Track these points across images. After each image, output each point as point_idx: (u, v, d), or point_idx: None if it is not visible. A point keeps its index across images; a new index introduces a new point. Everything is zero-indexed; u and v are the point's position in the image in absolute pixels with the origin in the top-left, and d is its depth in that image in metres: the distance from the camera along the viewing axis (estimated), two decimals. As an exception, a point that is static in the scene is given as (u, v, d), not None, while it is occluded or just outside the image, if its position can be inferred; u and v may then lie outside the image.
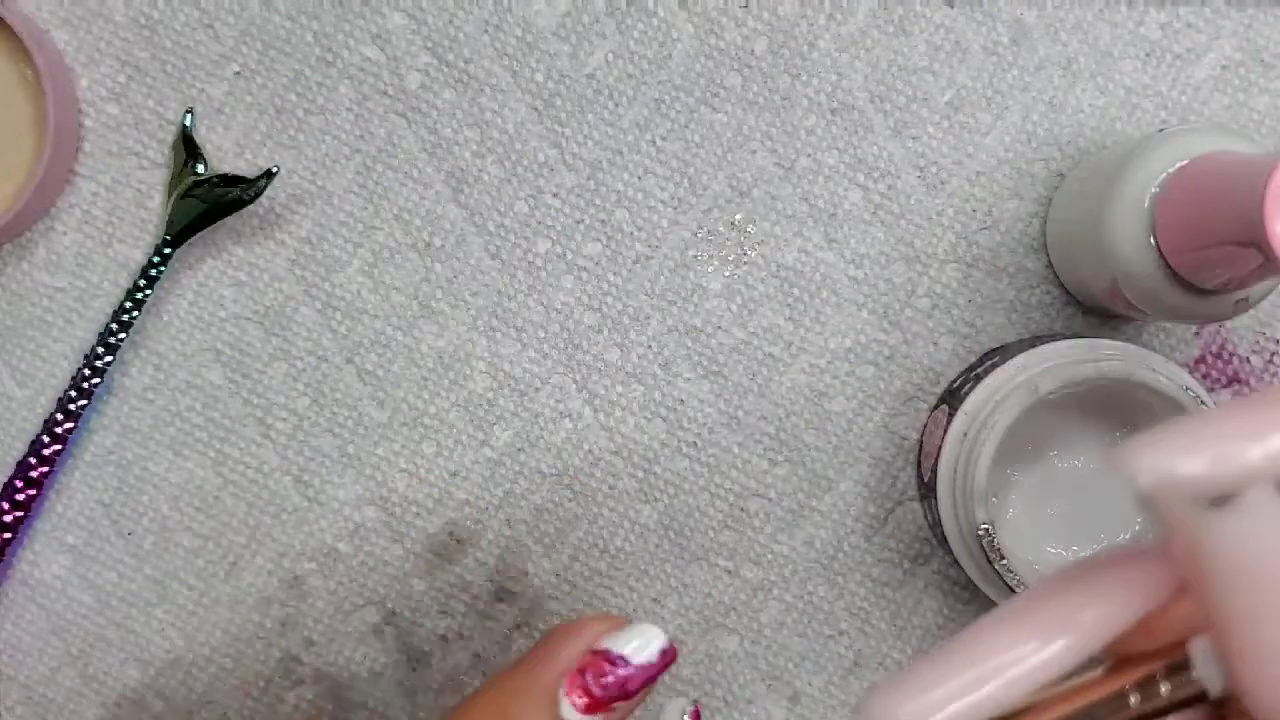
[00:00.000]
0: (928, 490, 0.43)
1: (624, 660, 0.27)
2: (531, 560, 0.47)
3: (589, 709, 0.26)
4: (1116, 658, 0.22)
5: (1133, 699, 0.21)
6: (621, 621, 0.27)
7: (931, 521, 0.44)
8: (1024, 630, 0.20)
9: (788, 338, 0.46)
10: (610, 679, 0.26)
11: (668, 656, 0.28)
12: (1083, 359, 0.40)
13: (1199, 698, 0.21)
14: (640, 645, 0.27)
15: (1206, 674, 0.21)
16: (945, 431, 0.42)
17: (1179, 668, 0.21)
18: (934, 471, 0.42)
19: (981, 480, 0.39)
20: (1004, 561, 0.39)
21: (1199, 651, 0.21)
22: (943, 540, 0.42)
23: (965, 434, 0.41)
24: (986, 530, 0.39)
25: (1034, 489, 0.43)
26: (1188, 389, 0.39)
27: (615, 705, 0.27)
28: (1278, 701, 0.19)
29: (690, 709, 0.28)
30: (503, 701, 0.27)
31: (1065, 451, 0.43)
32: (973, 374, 0.43)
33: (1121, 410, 0.42)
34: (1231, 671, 0.20)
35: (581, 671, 0.26)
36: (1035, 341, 0.43)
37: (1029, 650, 0.20)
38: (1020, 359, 0.41)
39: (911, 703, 0.20)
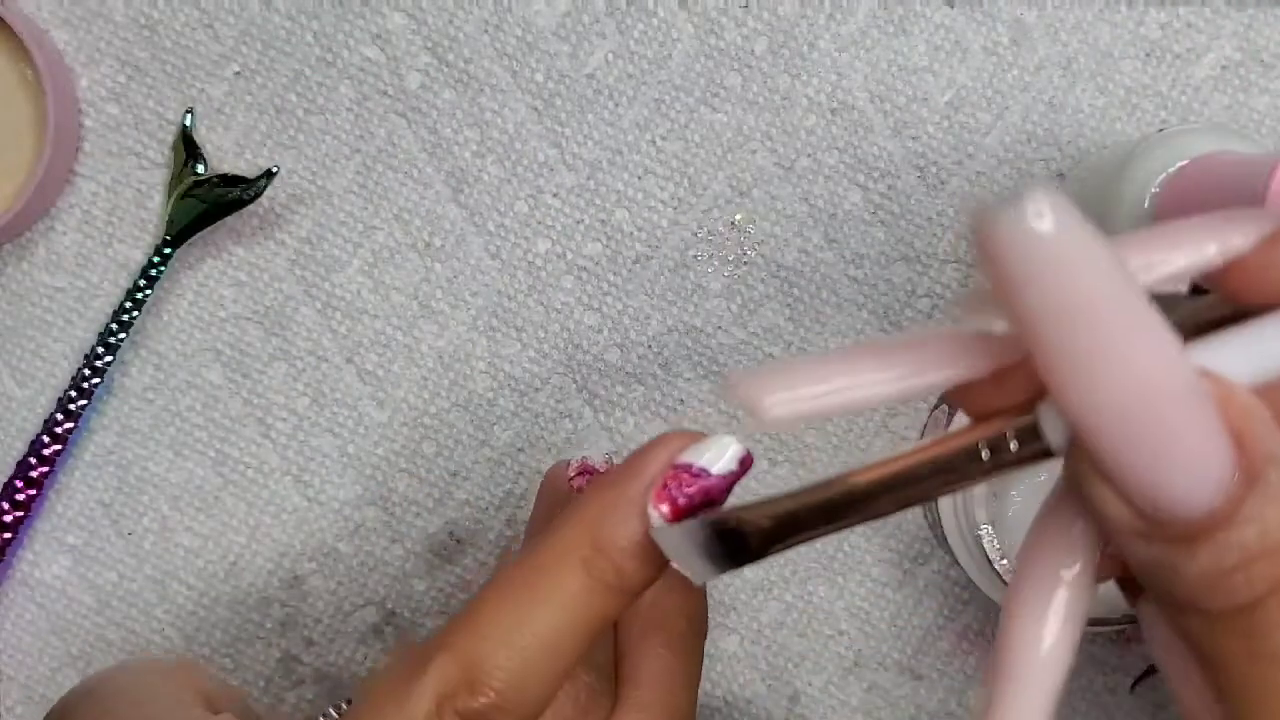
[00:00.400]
0: (928, 490, 0.43)
1: (705, 472, 0.28)
2: (531, 560, 0.47)
3: (675, 519, 0.28)
4: (977, 414, 0.24)
5: (984, 453, 0.23)
6: (698, 435, 0.28)
7: (931, 521, 0.44)
8: (881, 357, 0.23)
9: (788, 338, 0.46)
10: (694, 489, 0.28)
11: (746, 464, 0.28)
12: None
13: (1044, 453, 0.22)
14: (719, 455, 0.28)
15: (1051, 429, 0.22)
16: (945, 431, 0.42)
17: (1029, 425, 0.22)
18: (934, 471, 0.42)
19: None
20: (1004, 561, 0.39)
21: (1045, 409, 0.22)
22: (943, 540, 0.42)
23: (965, 434, 0.41)
24: (987, 530, 0.39)
25: (1034, 488, 0.43)
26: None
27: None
28: (1082, 398, 0.20)
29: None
30: (593, 516, 0.27)
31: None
32: (973, 374, 0.43)
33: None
34: (1049, 388, 0.21)
35: (665, 485, 0.27)
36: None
37: (879, 376, 0.23)
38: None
39: (780, 393, 0.23)
